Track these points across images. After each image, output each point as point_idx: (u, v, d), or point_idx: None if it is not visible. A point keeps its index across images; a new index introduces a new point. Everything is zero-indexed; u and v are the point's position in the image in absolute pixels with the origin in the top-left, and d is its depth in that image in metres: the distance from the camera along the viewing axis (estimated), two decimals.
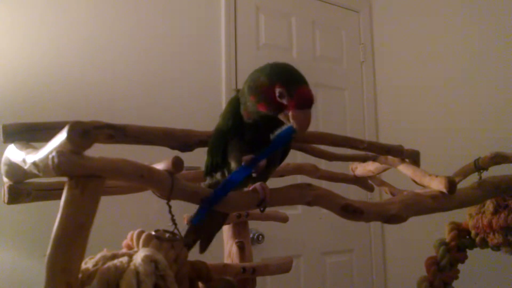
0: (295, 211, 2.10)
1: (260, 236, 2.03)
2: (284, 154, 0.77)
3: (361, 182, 1.20)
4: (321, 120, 2.39)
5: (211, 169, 0.76)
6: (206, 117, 1.91)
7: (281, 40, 2.34)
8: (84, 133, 0.50)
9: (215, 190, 0.62)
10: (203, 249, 0.88)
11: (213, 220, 0.84)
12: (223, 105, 2.02)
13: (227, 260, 1.08)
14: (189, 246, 0.82)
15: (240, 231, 1.09)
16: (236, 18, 2.18)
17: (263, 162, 0.64)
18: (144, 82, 1.87)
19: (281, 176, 1.11)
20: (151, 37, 1.92)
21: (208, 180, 0.78)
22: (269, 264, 1.03)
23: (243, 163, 0.64)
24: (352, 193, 2.15)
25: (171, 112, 1.90)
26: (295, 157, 1.45)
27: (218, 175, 0.75)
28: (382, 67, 2.57)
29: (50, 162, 0.48)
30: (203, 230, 0.83)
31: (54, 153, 0.48)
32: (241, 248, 1.05)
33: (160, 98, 1.90)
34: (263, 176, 0.71)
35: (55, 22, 1.72)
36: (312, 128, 2.29)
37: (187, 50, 2.01)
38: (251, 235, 2.00)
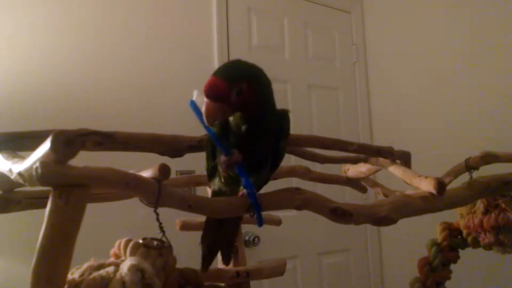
0: (290, 213, 2.08)
1: (256, 239, 2.03)
2: (274, 162, 0.76)
3: (354, 183, 1.20)
4: (315, 120, 2.40)
5: (210, 174, 0.76)
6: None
7: (273, 41, 2.35)
8: (68, 142, 0.50)
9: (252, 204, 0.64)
10: (227, 260, 0.86)
11: (227, 228, 0.81)
12: None
13: (220, 265, 1.07)
14: (209, 257, 0.81)
15: None
16: (228, 20, 2.17)
17: (236, 154, 0.64)
18: (134, 85, 1.87)
19: (274, 179, 1.11)
20: (141, 38, 1.92)
21: (212, 186, 0.77)
22: (263, 268, 1.02)
23: (223, 166, 0.65)
24: (348, 195, 2.17)
25: (162, 115, 1.90)
26: (288, 160, 1.45)
27: (216, 181, 0.75)
28: (375, 67, 2.58)
29: (34, 173, 0.48)
30: (220, 240, 0.81)
31: (37, 164, 0.48)
32: (235, 252, 1.05)
33: (151, 101, 1.89)
34: (254, 182, 0.71)
35: (41, 26, 1.71)
36: (306, 129, 2.27)
37: (179, 52, 2.00)
38: (246, 238, 2.00)
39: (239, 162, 0.64)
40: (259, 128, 0.66)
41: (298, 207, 0.67)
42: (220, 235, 0.81)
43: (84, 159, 0.55)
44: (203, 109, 0.61)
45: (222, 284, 0.93)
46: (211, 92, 0.60)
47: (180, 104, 1.95)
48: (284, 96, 2.30)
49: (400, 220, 0.73)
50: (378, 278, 2.47)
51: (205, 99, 0.60)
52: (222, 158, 0.64)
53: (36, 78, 1.67)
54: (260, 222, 0.65)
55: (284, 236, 2.12)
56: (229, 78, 0.60)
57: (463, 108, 1.98)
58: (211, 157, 0.73)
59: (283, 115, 0.71)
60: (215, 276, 0.95)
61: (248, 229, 2.02)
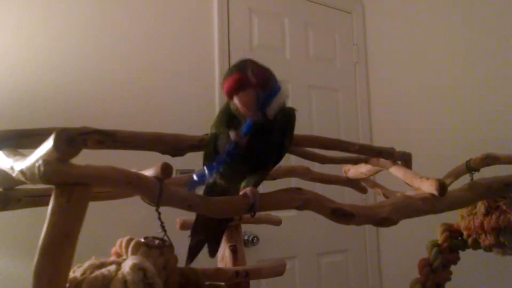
0: (289, 213, 2.09)
1: (255, 238, 2.03)
2: (277, 158, 0.76)
3: (354, 184, 1.20)
4: (315, 120, 2.39)
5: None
6: (200, 120, 1.91)
7: (274, 41, 2.34)
8: (70, 141, 0.50)
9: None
10: (213, 253, 0.86)
11: (218, 220, 0.82)
12: (217, 107, 2.02)
13: (220, 264, 1.07)
14: (196, 249, 0.81)
15: (233, 235, 1.09)
16: (229, 20, 2.17)
17: (243, 139, 0.64)
18: (136, 84, 1.86)
19: (274, 179, 1.11)
20: (142, 39, 1.91)
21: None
22: (262, 268, 1.02)
23: (232, 138, 0.65)
24: (348, 195, 2.17)
25: (163, 115, 1.89)
26: (289, 160, 1.46)
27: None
28: (375, 67, 2.58)
29: (36, 171, 0.48)
30: (209, 231, 0.81)
31: (40, 162, 0.48)
32: (234, 251, 1.05)
33: (152, 101, 1.89)
34: (255, 181, 0.71)
35: (44, 25, 1.71)
36: (306, 129, 2.27)
37: (180, 52, 2.00)
38: (245, 237, 2.00)
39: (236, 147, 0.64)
40: (265, 124, 0.66)
41: (299, 208, 0.67)
42: (213, 227, 0.82)
43: (86, 158, 0.55)
44: (239, 106, 0.62)
45: (222, 284, 0.92)
46: (236, 85, 0.62)
47: (182, 104, 1.96)
48: None
49: None
50: (377, 278, 2.47)
51: (236, 101, 0.62)
52: (231, 133, 0.65)
53: (37, 76, 1.66)
54: (200, 179, 0.64)
55: (283, 236, 2.13)
56: (237, 69, 0.64)
57: (464, 109, 1.98)
58: (212, 147, 0.73)
59: (289, 113, 0.72)
60: (214, 276, 0.95)
61: (247, 228, 2.02)
